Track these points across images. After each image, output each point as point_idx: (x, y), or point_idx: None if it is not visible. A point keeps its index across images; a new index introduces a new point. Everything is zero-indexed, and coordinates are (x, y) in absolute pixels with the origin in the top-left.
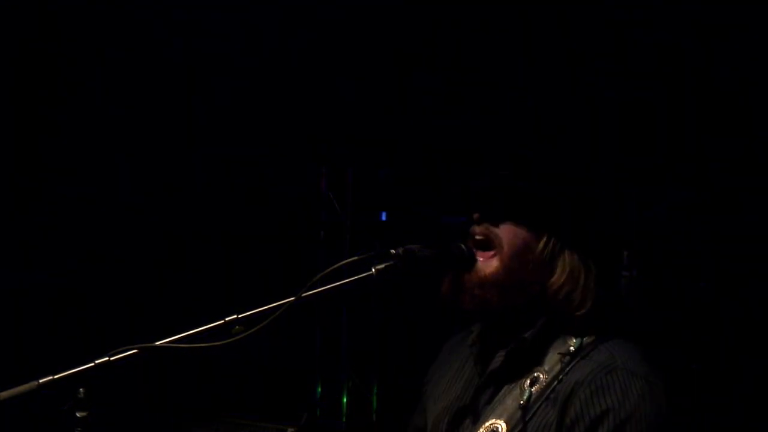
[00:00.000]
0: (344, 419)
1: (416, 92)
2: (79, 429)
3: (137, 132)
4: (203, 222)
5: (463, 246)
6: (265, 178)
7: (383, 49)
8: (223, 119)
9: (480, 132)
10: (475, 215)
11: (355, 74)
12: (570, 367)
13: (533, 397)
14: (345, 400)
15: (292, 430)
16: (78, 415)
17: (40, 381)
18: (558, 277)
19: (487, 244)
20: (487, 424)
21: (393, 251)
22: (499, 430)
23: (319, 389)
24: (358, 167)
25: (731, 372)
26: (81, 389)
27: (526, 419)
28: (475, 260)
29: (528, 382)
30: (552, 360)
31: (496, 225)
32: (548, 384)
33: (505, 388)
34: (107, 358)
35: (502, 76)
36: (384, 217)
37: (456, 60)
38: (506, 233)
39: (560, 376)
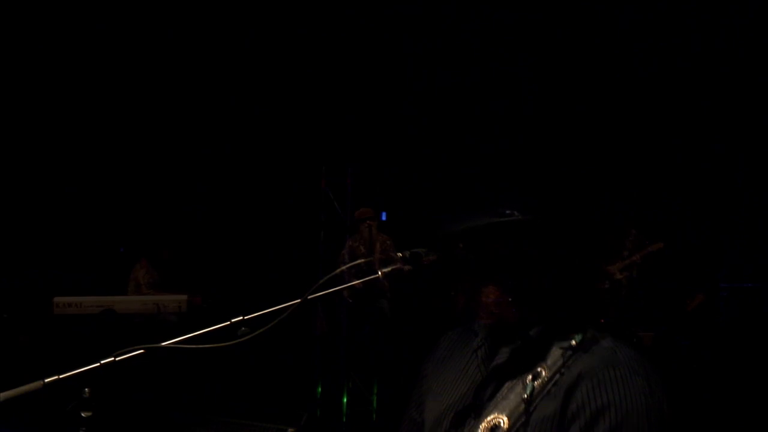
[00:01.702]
0: (344, 419)
1: (416, 92)
2: (83, 429)
3: (138, 132)
4: (203, 222)
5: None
6: (265, 178)
7: (383, 49)
8: (223, 120)
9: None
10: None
11: (356, 74)
12: (572, 360)
13: (535, 391)
14: (345, 400)
15: (292, 430)
16: (83, 414)
17: (46, 380)
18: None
19: None
20: (489, 418)
21: (399, 254)
22: (501, 424)
23: (319, 389)
24: (358, 167)
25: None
26: (86, 389)
27: (529, 413)
28: (476, 265)
29: (530, 376)
30: (554, 354)
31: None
32: (550, 378)
33: (508, 383)
34: (112, 358)
35: (501, 76)
36: (384, 217)
37: (455, 60)
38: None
39: (562, 370)
